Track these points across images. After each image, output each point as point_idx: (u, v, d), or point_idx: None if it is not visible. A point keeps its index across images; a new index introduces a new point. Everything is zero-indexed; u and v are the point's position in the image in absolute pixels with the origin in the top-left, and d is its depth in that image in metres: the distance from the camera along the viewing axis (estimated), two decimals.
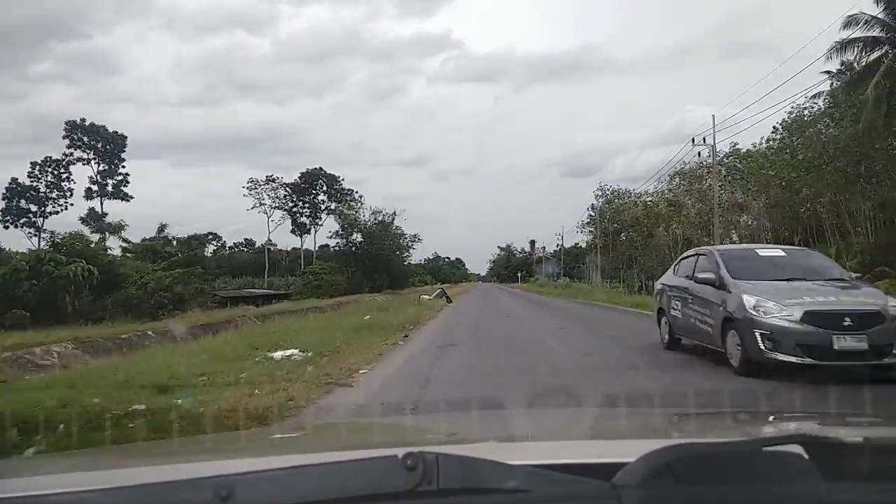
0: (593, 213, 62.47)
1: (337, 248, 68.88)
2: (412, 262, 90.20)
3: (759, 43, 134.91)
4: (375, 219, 66.81)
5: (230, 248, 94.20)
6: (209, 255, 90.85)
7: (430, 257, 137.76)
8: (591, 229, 64.49)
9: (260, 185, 79.75)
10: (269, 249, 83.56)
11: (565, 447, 1.64)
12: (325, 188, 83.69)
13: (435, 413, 4.21)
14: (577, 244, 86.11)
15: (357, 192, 76.53)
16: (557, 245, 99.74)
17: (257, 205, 79.36)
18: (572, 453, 1.39)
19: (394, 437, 2.24)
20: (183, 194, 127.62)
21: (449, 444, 1.67)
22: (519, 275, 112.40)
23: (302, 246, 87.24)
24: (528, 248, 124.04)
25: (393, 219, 67.17)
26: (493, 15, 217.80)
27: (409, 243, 72.39)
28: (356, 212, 67.48)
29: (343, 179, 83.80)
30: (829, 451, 1.04)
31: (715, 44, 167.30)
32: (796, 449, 1.01)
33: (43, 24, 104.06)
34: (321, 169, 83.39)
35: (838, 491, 0.96)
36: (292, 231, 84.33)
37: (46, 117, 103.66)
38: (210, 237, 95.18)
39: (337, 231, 68.16)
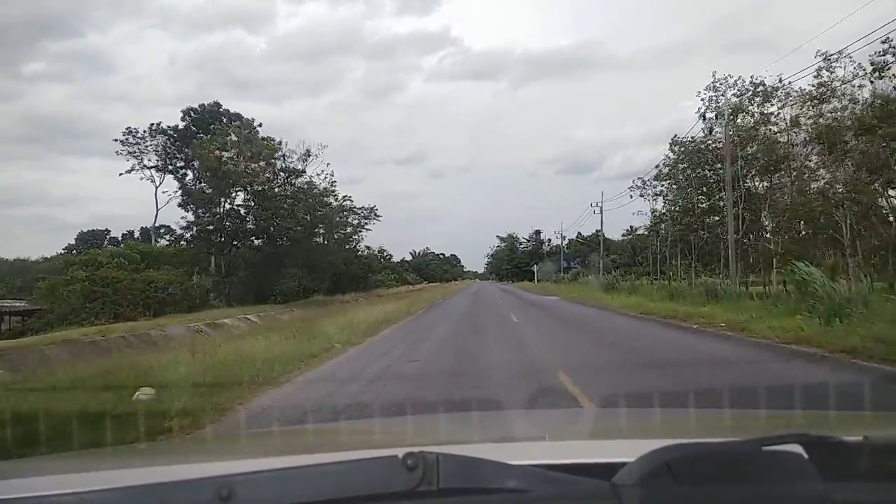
0: (673, 154, 31.57)
1: (196, 222, 36.23)
2: (389, 258, 66.11)
3: (759, 39, 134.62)
4: (268, 162, 35.88)
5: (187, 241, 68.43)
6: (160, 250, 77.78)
7: (421, 251, 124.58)
8: (664, 187, 34.46)
9: (142, 139, 41.51)
10: (157, 233, 47.93)
11: (565, 447, 1.65)
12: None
13: (435, 413, 4.21)
14: (597, 231, 63.17)
15: (280, 141, 38.95)
16: (564, 237, 77.62)
17: (136, 167, 41.03)
18: (572, 453, 1.39)
19: (394, 437, 2.24)
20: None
21: (449, 445, 1.67)
22: (535, 269, 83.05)
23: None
24: (540, 237, 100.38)
25: (306, 160, 37.69)
26: (492, 12, 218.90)
27: (362, 220, 46.90)
28: (236, 152, 35.14)
29: (261, 125, 41.16)
30: (828, 450, 1.04)
31: (714, 40, 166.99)
32: (796, 448, 1.01)
33: (37, 22, 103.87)
34: (218, 105, 42.57)
35: (837, 490, 0.96)
36: (181, 204, 40.36)
37: (41, 117, 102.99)
38: (162, 230, 74.33)
39: (203, 189, 36.05)
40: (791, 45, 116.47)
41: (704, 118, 27.21)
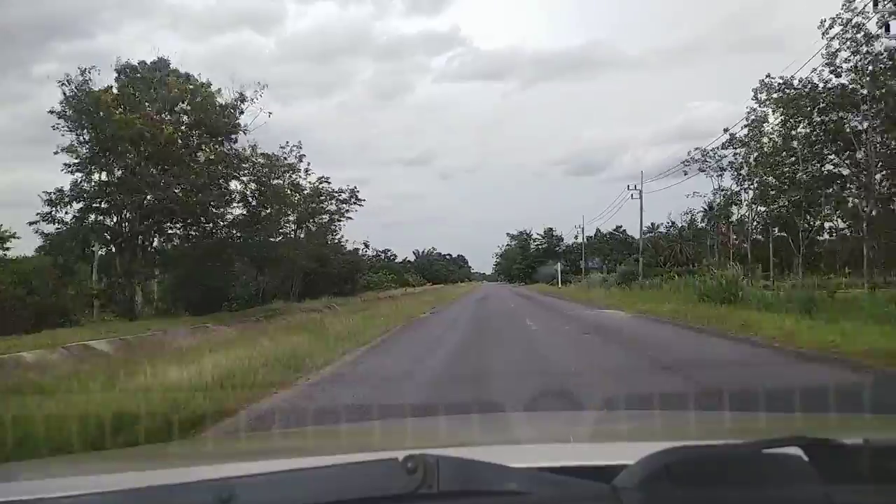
0: (759, 106, 23.85)
1: (69, 194, 23.04)
2: (393, 258, 61.16)
3: (768, 38, 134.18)
4: (172, 110, 24.04)
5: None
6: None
7: (426, 251, 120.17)
8: (737, 157, 27.74)
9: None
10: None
11: (565, 450, 1.64)
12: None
13: (435, 416, 4.22)
14: (619, 227, 62.04)
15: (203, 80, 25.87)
16: (582, 230, 67.62)
17: (74, 143, 24.60)
18: (572, 456, 1.39)
19: (394, 439, 2.24)
20: None
21: (449, 447, 1.67)
22: (557, 268, 70.31)
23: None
24: (553, 234, 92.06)
25: (240, 107, 24.86)
26: (501, 11, 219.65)
27: (340, 206, 37.17)
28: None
29: (219, 90, 25.82)
30: (828, 453, 1.04)
31: (723, 39, 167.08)
32: (796, 451, 1.01)
33: (46, 24, 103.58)
34: (165, 63, 26.37)
35: (838, 493, 0.96)
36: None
37: (51, 118, 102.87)
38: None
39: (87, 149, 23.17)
40: (799, 43, 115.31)
41: (855, 21, 16.23)
